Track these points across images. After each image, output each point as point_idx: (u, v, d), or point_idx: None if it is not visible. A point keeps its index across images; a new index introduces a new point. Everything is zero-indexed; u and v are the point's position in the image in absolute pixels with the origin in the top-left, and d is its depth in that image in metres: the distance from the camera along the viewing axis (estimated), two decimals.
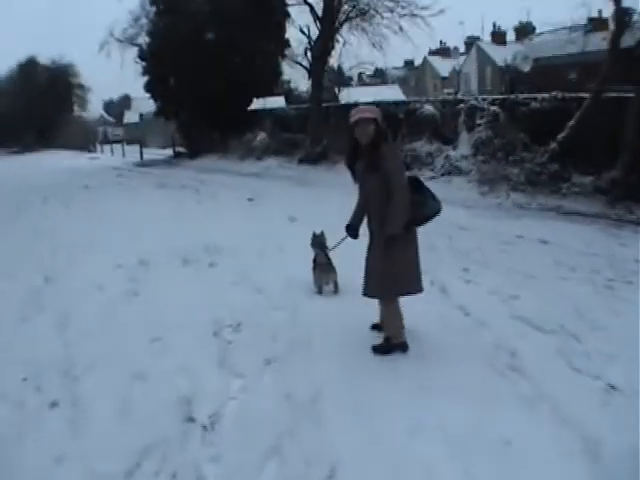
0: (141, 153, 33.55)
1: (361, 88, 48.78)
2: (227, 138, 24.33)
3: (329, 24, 19.08)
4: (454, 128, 16.33)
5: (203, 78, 22.81)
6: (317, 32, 19.70)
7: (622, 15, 12.24)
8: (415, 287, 4.72)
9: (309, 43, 19.94)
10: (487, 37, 43.37)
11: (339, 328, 5.46)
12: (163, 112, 28.38)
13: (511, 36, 43.16)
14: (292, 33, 25.61)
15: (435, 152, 16.00)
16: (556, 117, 13.58)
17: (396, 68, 58.03)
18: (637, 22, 12.79)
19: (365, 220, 4.82)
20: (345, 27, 19.73)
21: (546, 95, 14.76)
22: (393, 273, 4.52)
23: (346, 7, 19.17)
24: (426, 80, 51.67)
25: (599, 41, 24.82)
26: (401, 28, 18.95)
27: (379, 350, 4.75)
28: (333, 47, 19.78)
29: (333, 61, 20.94)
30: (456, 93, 36.97)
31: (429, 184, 4.96)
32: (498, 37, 42.14)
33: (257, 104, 26.62)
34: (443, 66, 48.78)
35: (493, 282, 6.93)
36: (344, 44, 20.15)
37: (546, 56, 29.43)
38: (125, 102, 76.47)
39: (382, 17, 19.03)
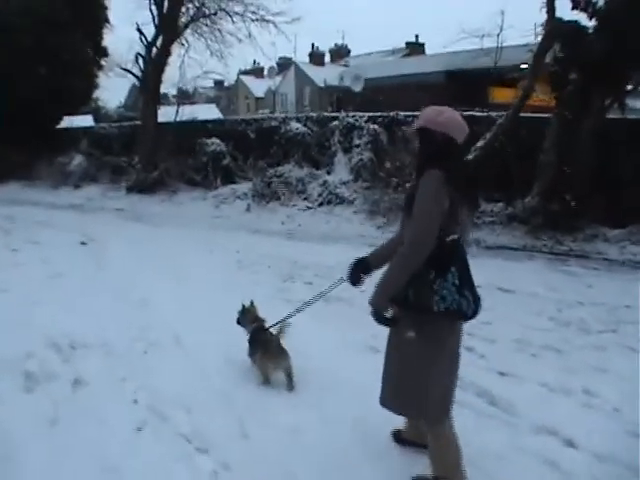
0: None
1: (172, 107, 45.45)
2: (34, 161, 19.66)
3: (172, 22, 15.69)
4: (326, 150, 13.80)
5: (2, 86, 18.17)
6: (153, 33, 16.14)
7: (554, 27, 10.42)
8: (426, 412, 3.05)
9: (147, 46, 16.20)
10: (302, 57, 42.25)
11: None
12: None
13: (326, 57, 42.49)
14: (111, 40, 21.95)
15: (307, 178, 13.45)
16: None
17: (204, 88, 54.86)
18: None
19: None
20: (189, 30, 16.42)
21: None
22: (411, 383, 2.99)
23: (192, 5, 15.84)
24: (239, 100, 49.12)
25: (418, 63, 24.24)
26: (250, 34, 16.08)
27: None
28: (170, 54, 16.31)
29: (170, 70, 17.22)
30: (272, 113, 35.12)
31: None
32: (317, 58, 41.30)
33: (65, 123, 22.22)
34: (257, 86, 46.61)
35: None
36: (187, 49, 16.78)
37: (376, 77, 28.66)
38: None
39: (233, 21, 15.99)
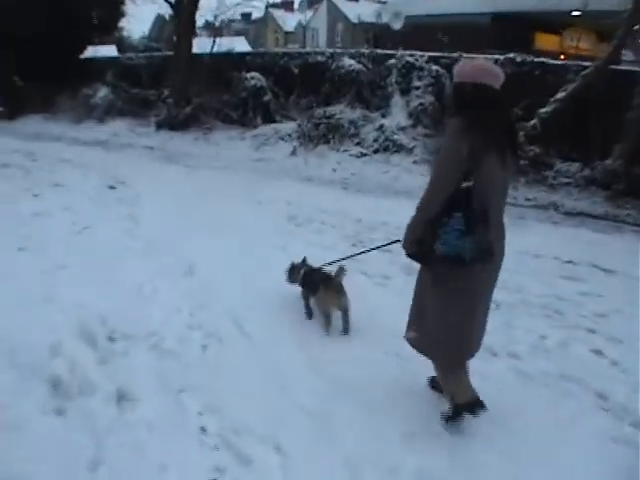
0: None
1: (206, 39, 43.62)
2: (56, 93, 18.08)
3: None
4: (382, 90, 12.24)
5: (25, 9, 16.58)
6: None
7: None
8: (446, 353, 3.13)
9: None
10: None
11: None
12: None
13: None
14: None
15: (360, 120, 11.88)
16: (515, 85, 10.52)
17: (232, 21, 52.56)
18: None
19: None
20: None
21: (500, 57, 11.21)
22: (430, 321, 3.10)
23: None
24: (267, 34, 46.91)
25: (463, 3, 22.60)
26: None
27: (448, 418, 3.24)
28: None
29: None
30: (303, 48, 33.31)
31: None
32: None
33: (89, 53, 20.59)
34: (287, 20, 44.33)
35: None
36: None
37: (418, 14, 26.64)
38: None
39: None
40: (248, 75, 13.52)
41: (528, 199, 9.42)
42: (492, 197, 2.81)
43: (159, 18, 55.65)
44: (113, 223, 7.12)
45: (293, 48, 30.51)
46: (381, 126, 11.46)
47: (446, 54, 12.07)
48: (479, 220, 2.76)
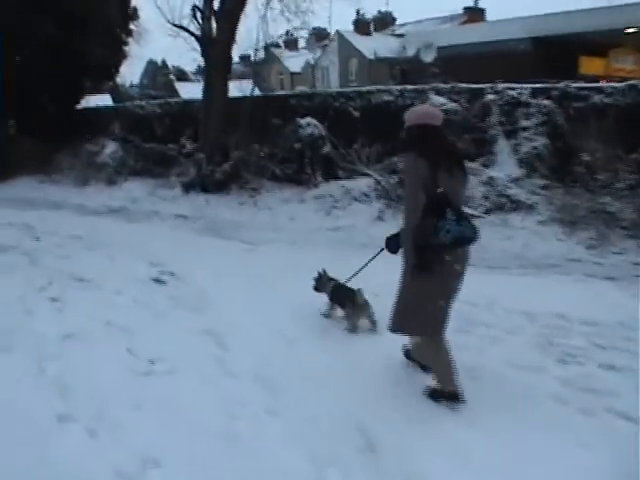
0: None
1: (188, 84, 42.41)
2: (53, 150, 16.17)
3: None
4: (479, 133, 10.25)
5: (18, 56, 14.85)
6: None
7: None
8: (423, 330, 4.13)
9: None
10: (338, 27, 38.77)
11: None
12: None
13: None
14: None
15: None
16: None
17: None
18: None
19: None
20: None
21: (618, 84, 9.38)
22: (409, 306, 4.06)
23: None
24: (270, 76, 45.42)
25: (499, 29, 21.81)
26: None
27: (431, 395, 4.18)
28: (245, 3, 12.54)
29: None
30: (313, 89, 31.71)
31: None
32: (362, 27, 38.00)
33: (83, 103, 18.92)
34: (291, 60, 42.97)
35: None
36: None
37: (451, 44, 25.24)
38: None
39: None
40: (303, 121, 11.42)
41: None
42: (454, 196, 3.80)
43: (150, 64, 54.66)
44: (188, 347, 4.97)
45: (301, 91, 28.85)
46: (490, 179, 9.39)
47: (550, 85, 10.16)
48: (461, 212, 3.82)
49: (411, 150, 3.88)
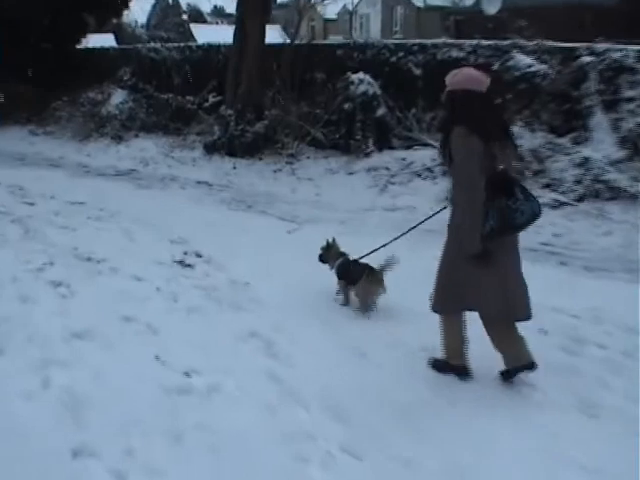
0: None
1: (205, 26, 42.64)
2: (48, 97, 16.11)
3: None
4: (572, 104, 9.75)
5: None
6: None
7: None
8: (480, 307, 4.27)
9: None
10: None
11: None
12: None
13: None
14: None
15: (544, 150, 9.29)
16: None
17: None
18: None
19: None
20: None
21: None
22: (448, 284, 4.33)
23: None
24: (301, 23, 45.17)
25: None
26: None
27: (434, 365, 4.58)
28: None
29: None
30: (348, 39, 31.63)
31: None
32: None
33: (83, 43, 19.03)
34: (326, 4, 42.61)
35: None
36: None
37: None
38: None
39: None
40: (355, 77, 10.94)
41: None
42: (511, 172, 4.21)
43: (159, 2, 54.39)
44: (230, 355, 4.59)
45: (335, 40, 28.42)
46: (584, 160, 8.88)
47: None
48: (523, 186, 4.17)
49: (458, 123, 3.97)
